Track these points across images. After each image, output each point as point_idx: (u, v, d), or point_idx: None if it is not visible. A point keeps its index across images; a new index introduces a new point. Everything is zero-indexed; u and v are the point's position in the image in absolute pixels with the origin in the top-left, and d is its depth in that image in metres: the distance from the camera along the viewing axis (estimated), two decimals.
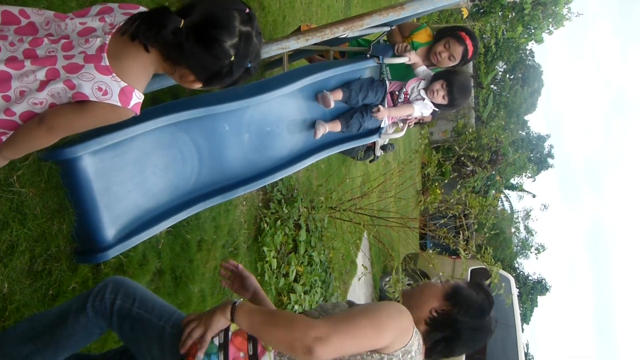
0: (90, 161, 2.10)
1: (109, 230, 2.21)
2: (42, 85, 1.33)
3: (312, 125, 3.09)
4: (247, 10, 1.36)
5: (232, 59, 1.34)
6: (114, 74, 1.31)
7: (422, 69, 3.18)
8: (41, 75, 1.32)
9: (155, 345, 1.51)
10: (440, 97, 3.10)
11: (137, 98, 1.37)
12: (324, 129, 3.02)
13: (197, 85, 1.42)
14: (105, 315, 1.56)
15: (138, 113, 1.39)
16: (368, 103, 3.14)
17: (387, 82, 3.17)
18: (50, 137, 1.42)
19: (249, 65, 1.39)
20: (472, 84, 3.31)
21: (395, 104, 3.19)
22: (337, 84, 3.06)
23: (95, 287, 1.61)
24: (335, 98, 2.98)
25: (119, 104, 1.33)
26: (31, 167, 1.97)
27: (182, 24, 1.29)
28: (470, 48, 3.16)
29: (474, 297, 1.53)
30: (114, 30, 1.34)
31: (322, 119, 3.09)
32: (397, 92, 3.19)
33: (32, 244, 1.95)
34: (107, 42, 1.32)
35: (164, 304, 1.61)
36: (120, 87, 1.32)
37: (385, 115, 3.15)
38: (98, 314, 1.56)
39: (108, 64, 1.31)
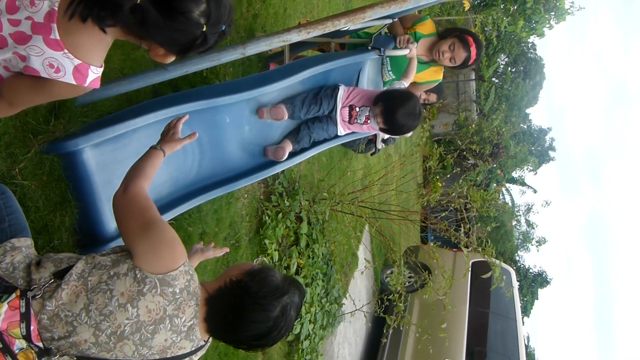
0: (92, 154, 2.11)
1: (111, 222, 2.21)
2: None
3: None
4: None
5: (204, 28, 1.18)
6: (66, 50, 1.17)
7: (401, 85, 2.97)
8: None
9: None
10: (381, 123, 2.83)
11: (94, 73, 1.24)
12: (285, 151, 2.85)
13: (170, 59, 1.28)
14: None
15: (98, 87, 1.28)
16: (315, 116, 2.95)
17: (342, 88, 2.92)
18: (13, 110, 1.34)
19: (223, 28, 1.24)
20: (418, 110, 3.13)
21: (352, 121, 2.93)
22: (338, 76, 3.05)
23: None
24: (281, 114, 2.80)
25: (74, 82, 1.21)
26: (33, 159, 1.98)
27: None
28: (473, 56, 3.19)
29: (273, 278, 1.43)
30: None
31: (271, 142, 2.93)
32: (357, 109, 2.90)
33: (34, 237, 1.94)
34: (57, 8, 1.15)
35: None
36: (73, 65, 1.19)
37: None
38: None
39: (58, 37, 1.16)
